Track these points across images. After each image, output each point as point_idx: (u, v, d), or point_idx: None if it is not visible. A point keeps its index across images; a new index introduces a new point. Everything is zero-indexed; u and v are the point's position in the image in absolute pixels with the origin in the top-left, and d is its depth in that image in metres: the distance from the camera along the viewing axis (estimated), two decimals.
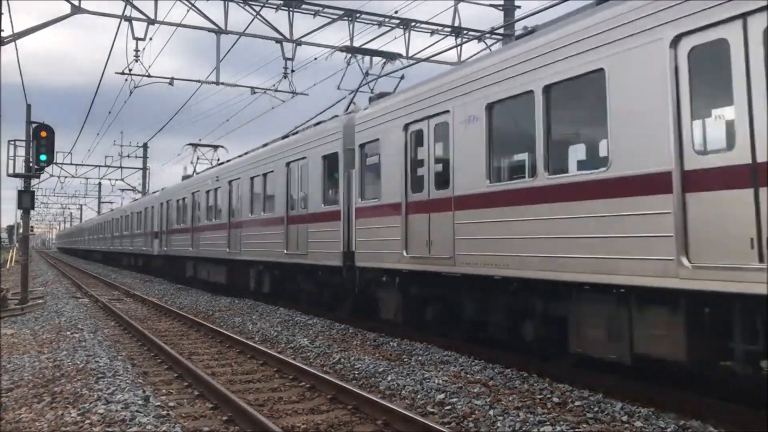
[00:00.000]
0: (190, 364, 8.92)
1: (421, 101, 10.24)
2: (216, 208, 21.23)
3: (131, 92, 20.04)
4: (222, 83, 18.83)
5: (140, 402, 6.97)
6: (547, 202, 7.47)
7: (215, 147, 30.67)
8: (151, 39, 17.38)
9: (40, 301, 19.60)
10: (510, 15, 18.16)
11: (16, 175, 19.11)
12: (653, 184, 6.24)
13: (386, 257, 11.01)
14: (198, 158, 30.64)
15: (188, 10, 16.31)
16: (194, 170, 29.62)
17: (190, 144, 30.30)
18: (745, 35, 5.59)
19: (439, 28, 18.42)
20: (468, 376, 8.25)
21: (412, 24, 18.10)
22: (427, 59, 16.72)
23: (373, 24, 17.99)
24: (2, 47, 13.61)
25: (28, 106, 18.86)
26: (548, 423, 6.10)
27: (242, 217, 18.26)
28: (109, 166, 50.86)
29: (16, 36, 14.49)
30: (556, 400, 7.03)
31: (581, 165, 7.72)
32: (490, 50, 15.54)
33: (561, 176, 7.43)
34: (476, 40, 18.06)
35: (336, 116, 14.12)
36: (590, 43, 7.04)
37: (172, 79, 19.48)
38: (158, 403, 7.08)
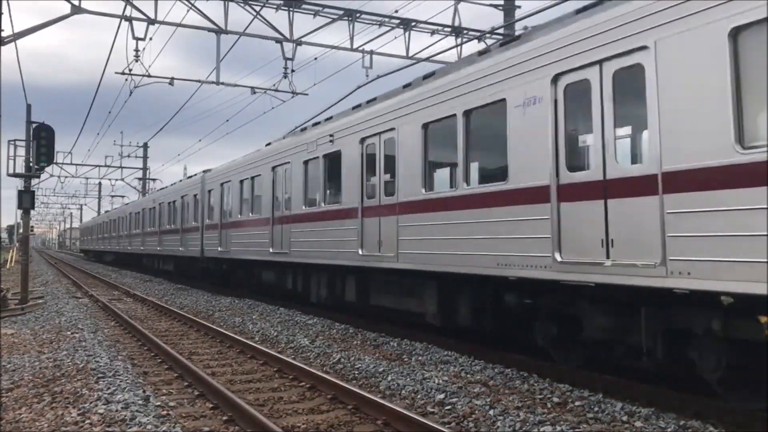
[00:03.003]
0: (190, 364, 8.92)
1: None
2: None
3: (131, 92, 20.11)
4: (222, 83, 18.86)
5: (140, 402, 6.97)
6: None
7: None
8: (151, 39, 17.39)
9: (40, 301, 19.61)
10: (510, 15, 18.17)
11: (16, 175, 19.14)
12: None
13: None
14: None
15: (188, 10, 16.33)
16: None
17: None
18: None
19: (439, 28, 18.44)
20: (468, 376, 8.25)
21: (412, 24, 18.12)
22: (427, 59, 16.73)
23: (373, 24, 18.01)
24: (2, 47, 13.61)
25: (28, 106, 18.88)
26: (548, 423, 6.10)
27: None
28: (109, 166, 50.99)
29: (16, 36, 14.50)
30: (556, 400, 7.04)
31: None
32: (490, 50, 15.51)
33: None
34: (476, 40, 18.08)
35: None
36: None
37: (172, 79, 19.51)
38: (158, 403, 7.08)
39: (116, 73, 18.60)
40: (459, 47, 18.38)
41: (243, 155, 19.69)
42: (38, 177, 21.66)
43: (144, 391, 7.51)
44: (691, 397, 6.71)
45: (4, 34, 13.90)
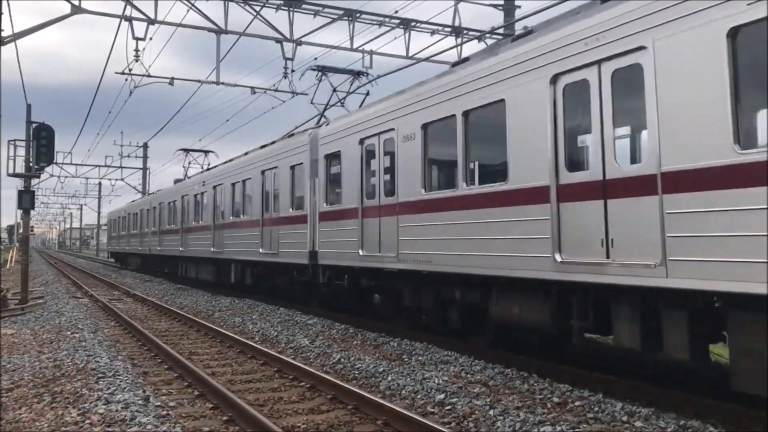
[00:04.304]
0: (190, 364, 8.92)
1: None
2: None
3: (131, 92, 20.11)
4: (222, 83, 18.85)
5: (140, 402, 6.97)
6: None
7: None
8: (151, 39, 17.39)
9: (40, 301, 19.61)
10: (510, 15, 18.17)
11: (16, 175, 19.14)
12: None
13: None
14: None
15: (188, 10, 16.33)
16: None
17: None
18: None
19: (439, 28, 18.44)
20: (468, 376, 8.25)
21: (412, 24, 18.11)
22: (427, 59, 16.73)
23: (373, 24, 18.01)
24: (2, 47, 13.61)
25: (28, 106, 18.88)
26: (548, 423, 6.10)
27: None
28: (109, 166, 50.99)
29: (16, 36, 14.49)
30: (556, 400, 7.04)
31: None
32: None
33: None
34: (476, 40, 18.08)
35: None
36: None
37: (172, 79, 19.51)
38: (158, 403, 7.08)
39: (116, 73, 18.61)
40: (459, 47, 18.38)
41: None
42: (38, 177, 21.67)
43: (144, 391, 7.51)
44: (691, 397, 6.71)
45: (4, 34, 13.90)
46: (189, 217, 24.56)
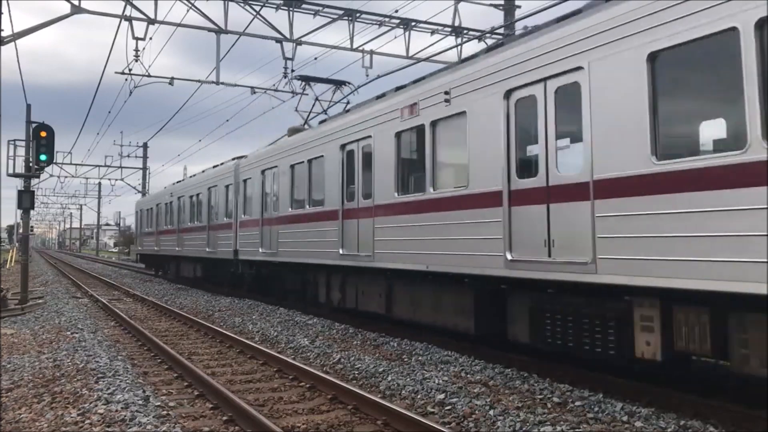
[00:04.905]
0: (190, 364, 8.92)
1: None
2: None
3: (131, 92, 20.11)
4: (222, 83, 18.84)
5: (140, 402, 6.97)
6: None
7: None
8: (151, 39, 17.39)
9: (40, 301, 19.60)
10: (510, 15, 18.17)
11: (16, 175, 19.14)
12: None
13: None
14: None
15: (188, 10, 16.33)
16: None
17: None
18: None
19: (439, 27, 18.43)
20: (468, 376, 8.25)
21: (412, 24, 18.11)
22: (427, 59, 16.73)
23: (373, 24, 18.01)
24: (2, 47, 13.61)
25: (28, 106, 18.89)
26: (548, 423, 6.10)
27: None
28: (109, 166, 50.92)
29: (16, 36, 14.49)
30: (556, 400, 7.04)
31: None
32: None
33: None
34: (476, 40, 18.07)
35: None
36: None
37: (172, 78, 19.51)
38: (158, 403, 7.08)
39: (116, 72, 18.61)
40: (459, 47, 18.38)
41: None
42: (38, 177, 21.67)
43: (144, 391, 7.51)
44: (691, 397, 6.71)
45: (4, 34, 13.90)
46: (378, 184, 11.35)
